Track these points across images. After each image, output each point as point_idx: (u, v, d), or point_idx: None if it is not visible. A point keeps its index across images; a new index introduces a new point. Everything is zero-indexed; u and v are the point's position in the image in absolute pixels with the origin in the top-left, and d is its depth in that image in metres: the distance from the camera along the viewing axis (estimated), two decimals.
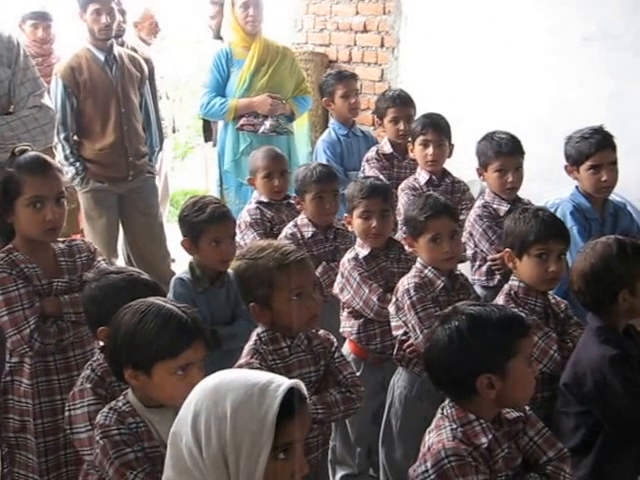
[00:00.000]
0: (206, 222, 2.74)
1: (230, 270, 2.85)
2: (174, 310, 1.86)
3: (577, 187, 3.21)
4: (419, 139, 3.66)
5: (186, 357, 1.83)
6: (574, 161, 3.18)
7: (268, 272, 2.20)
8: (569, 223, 3.08)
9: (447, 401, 1.90)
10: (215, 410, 1.39)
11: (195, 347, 1.85)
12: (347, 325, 2.99)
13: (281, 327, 2.25)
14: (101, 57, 4.13)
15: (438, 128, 3.66)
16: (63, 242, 2.61)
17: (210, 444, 1.38)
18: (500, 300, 2.55)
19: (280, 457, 1.41)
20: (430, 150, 3.63)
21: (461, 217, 3.43)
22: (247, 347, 2.27)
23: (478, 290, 3.20)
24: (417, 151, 3.69)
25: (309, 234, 3.26)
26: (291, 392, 1.42)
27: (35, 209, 2.44)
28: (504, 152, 3.24)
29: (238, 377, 1.45)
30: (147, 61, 4.53)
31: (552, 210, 3.14)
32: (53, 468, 2.52)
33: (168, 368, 1.82)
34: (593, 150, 3.11)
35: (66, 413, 2.14)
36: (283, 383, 1.43)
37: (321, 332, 2.38)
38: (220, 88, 4.55)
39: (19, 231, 2.51)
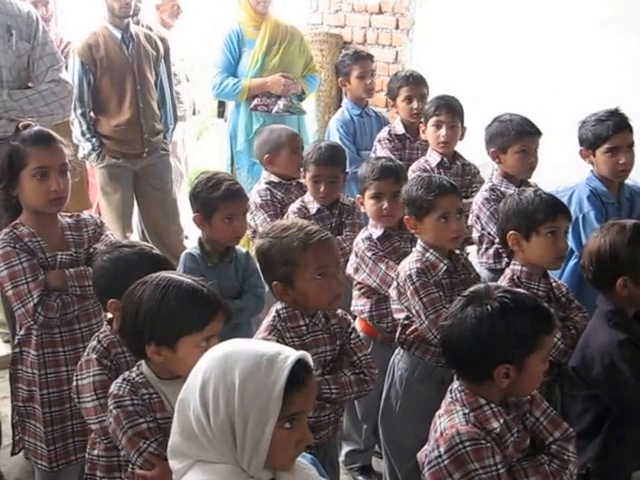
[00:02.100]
0: (220, 199, 2.75)
1: (239, 247, 2.89)
2: (194, 284, 1.88)
3: (592, 171, 3.18)
4: (432, 120, 3.66)
5: (211, 329, 1.86)
6: (590, 145, 3.14)
7: (292, 251, 2.19)
8: (586, 208, 3.08)
9: (456, 385, 1.89)
10: (224, 379, 1.41)
11: (218, 319, 1.88)
12: (359, 304, 3.00)
13: (303, 306, 2.25)
14: (118, 35, 4.15)
15: (451, 109, 3.66)
16: (70, 216, 2.64)
17: (218, 413, 1.40)
18: (503, 285, 2.53)
19: (286, 427, 1.43)
20: (443, 131, 3.63)
21: (472, 199, 3.45)
22: (265, 323, 2.28)
23: (485, 273, 3.22)
24: (429, 132, 3.68)
25: (314, 210, 3.27)
26: (298, 363, 1.44)
27: (40, 180, 2.48)
28: (529, 132, 3.23)
29: (246, 347, 1.47)
30: (162, 40, 4.52)
31: (566, 195, 3.14)
32: (60, 438, 2.57)
33: (194, 341, 1.84)
34: (610, 132, 3.08)
35: (74, 383, 2.17)
36: (291, 354, 1.44)
37: (339, 311, 2.38)
38: (232, 68, 4.56)
39: (25, 204, 2.54)
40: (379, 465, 3.22)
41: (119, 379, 1.95)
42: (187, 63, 5.89)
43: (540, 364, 1.85)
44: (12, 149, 2.49)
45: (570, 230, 2.99)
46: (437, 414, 1.90)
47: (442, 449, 1.78)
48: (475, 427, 1.79)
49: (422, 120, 3.78)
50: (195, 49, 6.30)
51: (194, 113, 6.09)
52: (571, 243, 3.04)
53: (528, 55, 4.43)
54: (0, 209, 2.66)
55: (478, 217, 3.25)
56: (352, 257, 3.00)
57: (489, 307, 1.80)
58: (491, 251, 3.24)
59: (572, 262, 2.99)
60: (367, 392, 2.34)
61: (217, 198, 2.75)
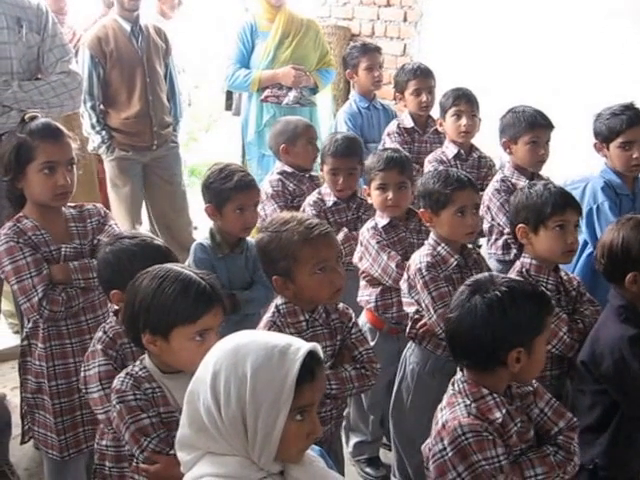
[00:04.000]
0: (232, 190, 2.76)
1: (250, 238, 2.89)
2: (192, 276, 1.87)
3: (606, 164, 3.17)
4: (451, 111, 3.66)
5: (204, 322, 1.85)
6: (604, 138, 3.14)
7: (292, 245, 2.18)
8: (600, 198, 3.08)
9: (459, 375, 1.89)
10: (235, 371, 1.40)
11: (214, 313, 1.87)
12: (365, 294, 3.01)
13: (304, 300, 2.24)
14: (127, 28, 4.15)
15: (470, 99, 3.68)
16: (74, 207, 2.63)
17: (229, 404, 1.39)
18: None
19: (297, 418, 1.43)
20: (463, 121, 3.64)
21: None
22: (265, 319, 2.27)
23: (494, 264, 3.21)
24: (449, 123, 3.68)
25: (330, 203, 3.27)
26: (309, 355, 1.43)
27: (47, 174, 2.47)
28: (540, 124, 3.23)
29: (257, 339, 1.47)
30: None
31: (580, 187, 3.13)
32: (70, 428, 2.58)
33: (186, 333, 1.84)
34: (624, 127, 3.07)
35: (81, 374, 2.19)
36: (302, 346, 1.44)
37: (340, 306, 2.37)
38: (244, 60, 4.57)
39: (30, 197, 2.53)
40: (387, 457, 3.23)
41: (122, 373, 1.96)
42: (185, 56, 5.89)
43: (544, 346, 1.88)
44: (20, 142, 2.47)
45: (584, 221, 2.99)
46: (439, 407, 1.90)
47: (445, 442, 1.79)
48: (477, 419, 1.80)
49: (433, 113, 3.77)
50: (193, 41, 6.28)
51: (188, 104, 6.10)
52: (585, 235, 3.04)
53: (536, 47, 4.42)
54: (3, 200, 2.67)
55: (489, 208, 3.25)
56: (358, 246, 3.02)
57: (497, 293, 1.81)
58: (500, 242, 3.24)
59: (585, 254, 2.98)
60: (369, 387, 2.34)
61: (229, 189, 2.76)
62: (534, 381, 1.98)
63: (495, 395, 1.84)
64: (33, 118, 2.55)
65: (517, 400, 1.91)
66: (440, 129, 3.80)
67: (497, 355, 1.81)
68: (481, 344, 1.82)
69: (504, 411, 1.82)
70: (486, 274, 1.94)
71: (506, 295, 1.81)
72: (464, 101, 3.65)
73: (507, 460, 1.79)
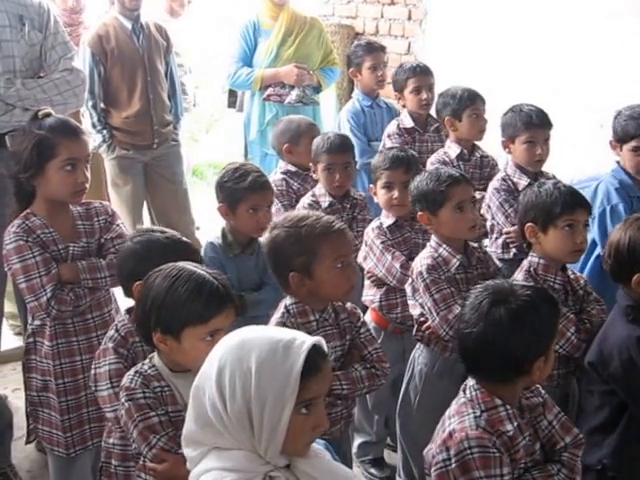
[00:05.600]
0: (247, 190, 2.76)
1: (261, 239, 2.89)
2: (206, 276, 1.86)
3: (618, 163, 3.17)
4: (468, 111, 3.58)
5: (216, 323, 1.84)
6: (619, 138, 3.13)
7: (313, 239, 2.17)
8: (614, 199, 3.06)
9: (472, 382, 1.87)
10: (240, 366, 1.41)
11: (225, 314, 1.86)
12: (369, 294, 3.00)
13: (319, 297, 2.23)
14: (128, 26, 4.13)
15: (483, 99, 3.66)
16: (81, 205, 2.62)
17: (235, 399, 1.40)
18: (519, 277, 2.51)
19: (302, 412, 1.43)
20: (482, 121, 3.61)
21: None
22: (274, 319, 2.26)
23: None
24: (466, 123, 3.60)
25: (326, 204, 3.25)
26: (313, 349, 1.44)
27: (68, 171, 2.46)
28: (535, 124, 3.21)
29: (261, 334, 1.47)
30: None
31: (590, 186, 3.12)
32: (76, 425, 2.58)
33: (197, 334, 1.83)
34: (639, 132, 3.05)
35: (92, 371, 2.18)
36: (306, 340, 1.44)
37: (348, 305, 2.36)
38: (247, 58, 4.56)
39: (44, 194, 2.51)
40: (391, 457, 3.23)
41: (131, 371, 1.95)
42: (191, 55, 5.87)
43: (554, 350, 1.89)
44: (40, 138, 2.45)
45: (596, 222, 2.98)
46: (447, 414, 1.88)
47: (451, 452, 1.77)
48: (486, 432, 1.78)
49: (447, 113, 3.71)
50: (194, 40, 6.28)
51: (194, 105, 6.09)
52: (596, 235, 3.02)
53: (538, 47, 4.43)
54: (7, 197, 2.65)
55: (489, 207, 3.25)
56: (363, 245, 3.00)
57: (520, 302, 1.81)
58: (500, 241, 3.23)
59: (594, 255, 2.97)
60: (378, 387, 2.33)
61: (243, 189, 2.76)
62: (543, 392, 1.98)
63: (508, 407, 1.82)
64: (47, 115, 2.53)
65: (527, 413, 1.90)
66: (451, 130, 3.72)
67: (523, 366, 1.81)
68: (504, 355, 1.79)
69: (515, 424, 1.81)
70: (503, 282, 1.92)
71: (529, 305, 1.81)
72: (479, 100, 3.62)
73: None
